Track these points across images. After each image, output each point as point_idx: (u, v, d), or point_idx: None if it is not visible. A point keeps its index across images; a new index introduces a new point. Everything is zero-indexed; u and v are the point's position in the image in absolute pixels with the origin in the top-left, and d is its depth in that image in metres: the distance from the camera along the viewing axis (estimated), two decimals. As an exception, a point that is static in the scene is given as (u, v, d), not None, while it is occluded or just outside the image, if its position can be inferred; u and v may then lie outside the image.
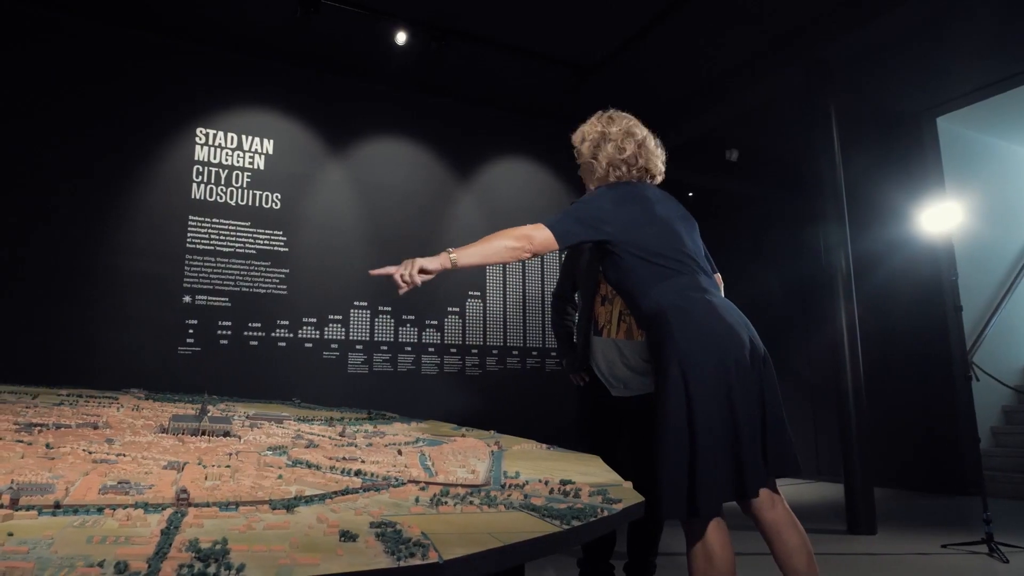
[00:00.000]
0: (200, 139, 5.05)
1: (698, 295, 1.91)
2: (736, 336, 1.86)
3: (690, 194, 7.53)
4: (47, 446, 1.62)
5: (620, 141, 2.09)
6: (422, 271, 1.77)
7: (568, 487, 1.47)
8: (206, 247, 4.92)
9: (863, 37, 4.81)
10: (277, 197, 5.21)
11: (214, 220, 4.97)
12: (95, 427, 1.99)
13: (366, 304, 5.40)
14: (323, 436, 2.17)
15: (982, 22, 4.78)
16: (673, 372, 1.83)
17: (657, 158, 2.14)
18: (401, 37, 4.99)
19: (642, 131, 2.12)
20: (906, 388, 6.09)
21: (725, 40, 5.21)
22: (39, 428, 1.89)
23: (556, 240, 1.89)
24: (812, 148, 4.93)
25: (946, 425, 5.82)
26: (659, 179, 2.17)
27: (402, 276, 1.77)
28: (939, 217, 4.48)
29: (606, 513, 1.28)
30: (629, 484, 1.61)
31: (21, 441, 1.68)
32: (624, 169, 2.09)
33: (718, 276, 2.23)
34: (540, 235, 1.87)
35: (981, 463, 4.99)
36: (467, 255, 1.82)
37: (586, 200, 2.00)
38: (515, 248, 1.84)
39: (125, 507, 1.11)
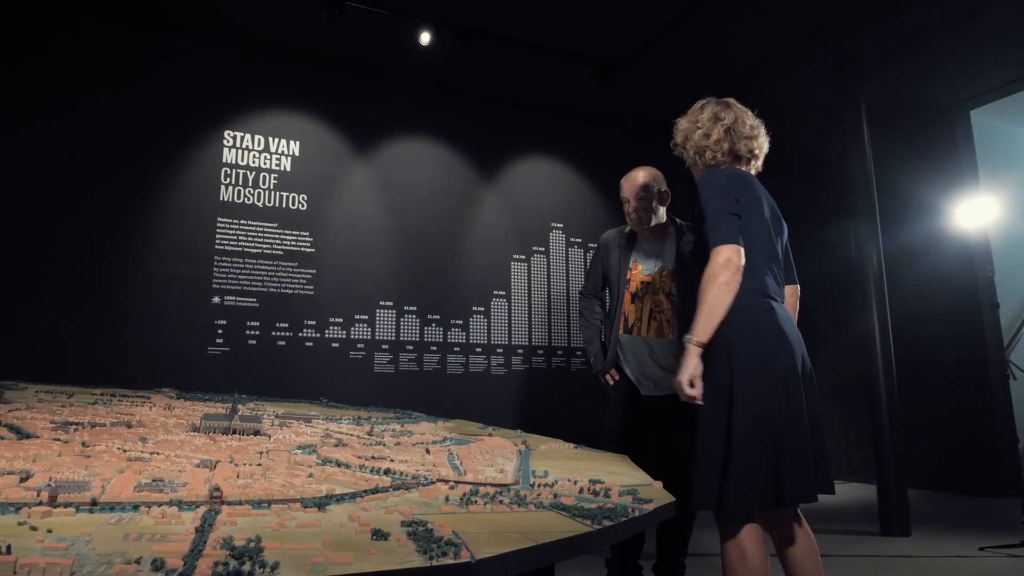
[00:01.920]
0: (228, 141, 5.11)
1: (764, 300, 1.92)
2: (789, 347, 1.88)
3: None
4: (83, 444, 1.65)
5: (707, 127, 2.09)
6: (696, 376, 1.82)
7: (598, 487, 1.46)
8: (234, 248, 4.98)
9: (893, 29, 4.71)
10: (304, 198, 5.26)
11: (242, 221, 5.03)
12: (129, 426, 2.02)
13: (392, 304, 5.43)
14: (351, 435, 2.18)
15: (1016, 11, 4.65)
16: (720, 368, 1.85)
17: (749, 140, 2.10)
18: (425, 37, 4.99)
19: (731, 115, 2.10)
20: (941, 387, 5.96)
21: (752, 35, 5.13)
22: (75, 427, 1.92)
23: (738, 247, 1.88)
24: (842, 143, 4.85)
25: (983, 425, 5.68)
26: (754, 164, 2.15)
27: (693, 398, 1.81)
28: (974, 212, 4.38)
29: (637, 513, 1.27)
30: (659, 484, 1.60)
31: (58, 439, 1.71)
32: (709, 155, 2.08)
33: (795, 287, 2.20)
34: (732, 254, 1.85)
35: (1020, 463, 4.85)
36: (706, 328, 1.82)
37: (712, 195, 1.97)
38: (730, 282, 1.83)
39: (160, 505, 1.12)
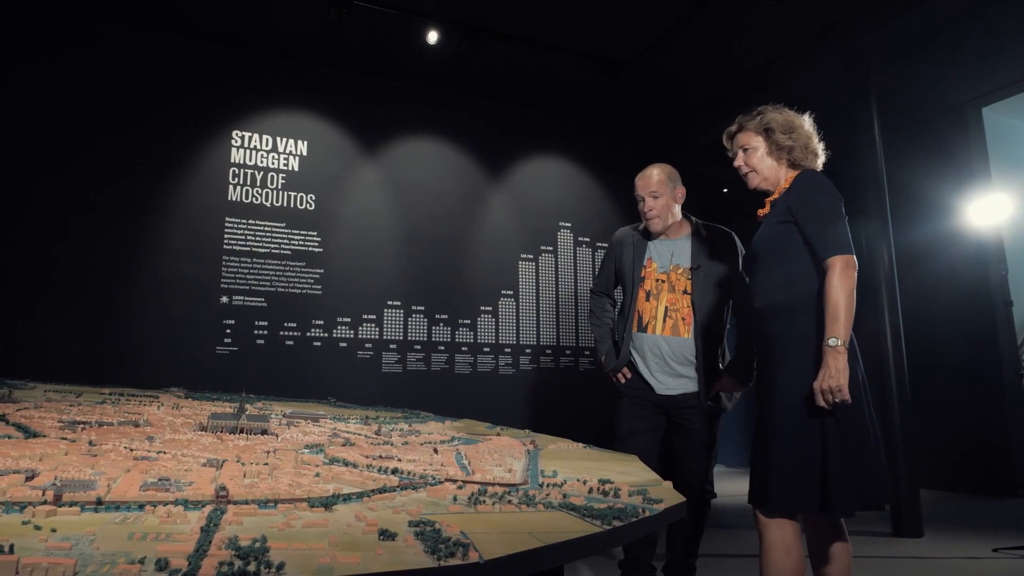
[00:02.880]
0: (236, 141, 5.12)
1: None
2: (858, 354, 1.96)
3: (724, 190, 7.41)
4: (90, 443, 1.65)
5: (811, 132, 2.20)
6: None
7: (607, 487, 1.44)
8: (242, 248, 4.98)
9: (905, 25, 4.67)
10: (311, 198, 5.26)
11: (250, 221, 5.04)
12: (136, 425, 2.02)
13: (399, 304, 5.42)
14: (359, 434, 2.17)
15: (1030, 7, 4.61)
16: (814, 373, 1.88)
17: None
18: (432, 37, 4.99)
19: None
20: (953, 386, 5.90)
21: (762, 31, 5.09)
22: (82, 426, 1.92)
23: (854, 256, 1.97)
24: (853, 140, 4.80)
25: (996, 425, 5.63)
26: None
27: (834, 401, 1.83)
28: (987, 209, 4.34)
29: (647, 513, 1.25)
30: (669, 484, 1.57)
31: (65, 438, 1.71)
32: (810, 158, 2.20)
33: None
34: (851, 261, 1.95)
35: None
36: (843, 329, 1.87)
37: (826, 197, 2.08)
38: (854, 287, 1.92)
39: (165, 504, 1.11)
